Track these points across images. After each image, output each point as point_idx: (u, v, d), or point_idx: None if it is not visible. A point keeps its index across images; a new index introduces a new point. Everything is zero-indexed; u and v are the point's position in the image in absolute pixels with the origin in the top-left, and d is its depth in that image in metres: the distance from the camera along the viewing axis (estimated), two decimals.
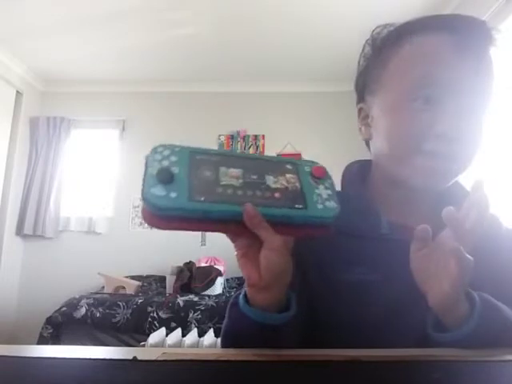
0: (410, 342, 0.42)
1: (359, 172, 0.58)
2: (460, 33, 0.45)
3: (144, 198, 0.31)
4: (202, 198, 0.32)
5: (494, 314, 0.38)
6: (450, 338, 0.39)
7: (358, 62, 0.55)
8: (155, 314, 2.11)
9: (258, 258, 0.36)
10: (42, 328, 2.08)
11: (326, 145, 3.21)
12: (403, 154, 0.47)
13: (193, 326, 2.08)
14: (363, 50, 0.54)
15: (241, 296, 0.41)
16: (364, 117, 0.55)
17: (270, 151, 3.45)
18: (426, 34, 0.47)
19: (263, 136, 3.48)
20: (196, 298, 2.29)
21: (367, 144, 0.57)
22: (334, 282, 0.49)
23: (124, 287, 2.55)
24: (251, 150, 3.46)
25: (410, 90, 0.46)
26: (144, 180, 0.32)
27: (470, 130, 0.44)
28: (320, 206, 0.34)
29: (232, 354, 0.37)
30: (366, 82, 0.54)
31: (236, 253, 0.38)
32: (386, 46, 0.50)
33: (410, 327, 0.46)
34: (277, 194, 0.35)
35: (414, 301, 0.47)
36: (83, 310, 2.12)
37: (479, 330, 0.37)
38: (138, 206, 3.36)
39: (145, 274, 3.08)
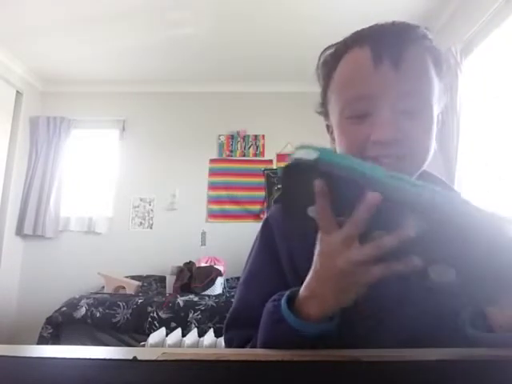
0: (405, 341, 0.42)
1: None
2: (376, 42, 0.47)
3: None
4: None
5: None
6: (501, 339, 0.39)
7: (318, 79, 0.58)
8: (155, 314, 2.11)
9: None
10: (42, 328, 2.08)
11: (326, 145, 3.20)
12: None
13: (193, 325, 2.08)
14: (317, 73, 0.57)
15: (284, 308, 0.42)
16: (331, 132, 0.59)
17: (270, 151, 3.46)
18: (353, 50, 0.50)
19: (263, 136, 3.48)
20: (196, 298, 2.29)
21: None
22: None
23: (124, 287, 2.55)
24: (251, 150, 3.46)
25: (344, 110, 0.50)
26: None
27: (407, 132, 0.46)
28: None
29: (232, 353, 0.37)
30: (324, 99, 0.58)
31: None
32: (329, 64, 0.54)
33: (403, 327, 0.46)
34: None
35: (409, 299, 0.47)
36: (83, 310, 2.12)
37: None
38: (137, 206, 3.37)
39: (145, 274, 3.08)
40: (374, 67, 0.47)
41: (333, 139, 0.58)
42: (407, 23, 0.50)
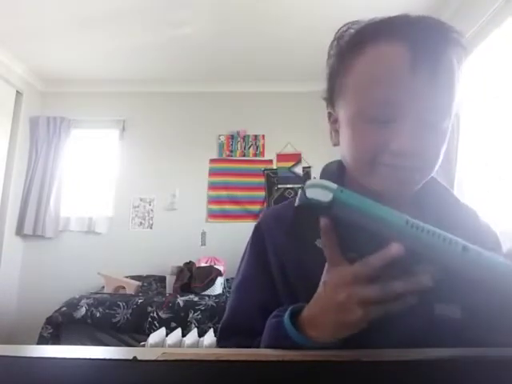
0: (409, 340, 0.42)
1: (337, 171, 0.58)
2: (416, 41, 0.43)
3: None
4: None
5: None
6: None
7: (327, 62, 0.54)
8: (155, 314, 2.11)
9: None
10: (42, 328, 2.08)
11: (326, 145, 3.20)
12: (362, 166, 0.49)
13: (193, 326, 2.08)
14: (329, 51, 0.53)
15: (287, 321, 0.42)
16: (333, 121, 0.55)
17: (270, 151, 3.46)
18: (386, 42, 0.45)
19: (263, 136, 3.48)
20: (196, 298, 2.29)
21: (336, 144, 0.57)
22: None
23: (124, 287, 2.55)
24: (251, 150, 3.46)
25: (366, 110, 0.46)
26: None
27: (427, 145, 0.45)
28: None
29: (232, 353, 0.37)
30: (333, 87, 0.53)
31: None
32: (346, 53, 0.49)
33: (409, 327, 0.46)
34: None
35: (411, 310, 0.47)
36: (83, 310, 2.12)
37: None
38: (137, 206, 3.37)
39: (145, 274, 3.08)
40: (412, 72, 0.42)
41: (335, 130, 0.55)
42: (442, 22, 0.45)
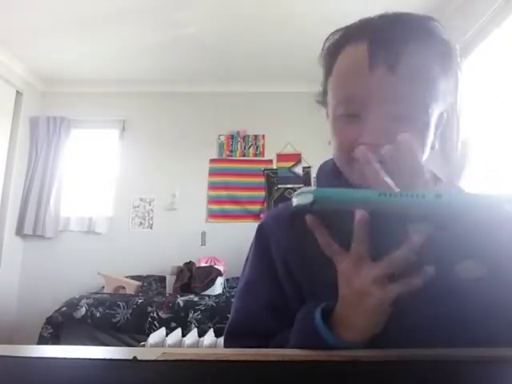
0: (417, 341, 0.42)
1: (334, 168, 0.58)
2: (374, 38, 0.45)
3: None
4: None
5: None
6: None
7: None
8: (155, 314, 2.11)
9: None
10: (42, 328, 2.08)
11: (326, 145, 3.20)
12: (342, 163, 0.51)
13: (193, 326, 2.08)
14: (320, 61, 0.56)
15: (319, 321, 0.42)
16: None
17: (270, 151, 3.46)
18: (350, 44, 0.48)
19: (263, 136, 3.48)
20: (196, 298, 2.29)
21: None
22: (327, 285, 0.48)
23: (124, 287, 2.55)
24: (251, 150, 3.46)
25: (337, 107, 0.49)
26: None
27: (395, 137, 0.43)
28: None
29: (232, 353, 0.37)
30: (324, 89, 0.56)
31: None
32: (328, 57, 0.53)
33: (419, 326, 0.46)
34: None
35: (429, 299, 0.46)
36: (83, 310, 2.12)
37: None
38: (137, 206, 3.37)
39: (145, 274, 3.08)
40: (369, 69, 0.45)
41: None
42: (412, 16, 0.47)
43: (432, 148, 0.52)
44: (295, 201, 0.38)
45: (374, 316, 0.39)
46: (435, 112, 0.47)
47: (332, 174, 0.57)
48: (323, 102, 0.57)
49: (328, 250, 0.40)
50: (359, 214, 0.36)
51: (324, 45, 0.54)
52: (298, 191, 0.39)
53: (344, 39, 0.50)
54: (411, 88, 0.44)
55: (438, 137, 0.52)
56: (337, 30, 0.53)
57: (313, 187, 0.38)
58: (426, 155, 0.49)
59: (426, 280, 0.35)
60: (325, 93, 0.56)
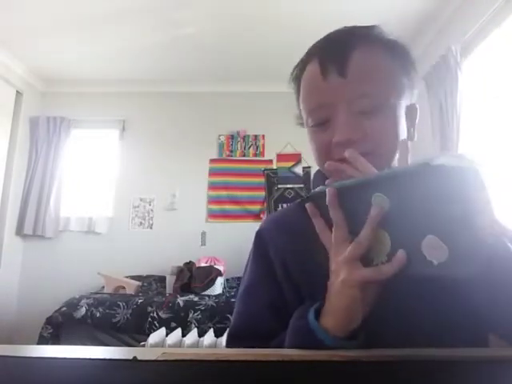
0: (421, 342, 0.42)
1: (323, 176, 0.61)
2: (323, 53, 0.52)
3: None
4: None
5: None
6: None
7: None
8: (155, 314, 2.11)
9: None
10: (42, 328, 2.08)
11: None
12: (323, 165, 0.55)
13: (193, 326, 2.08)
14: (289, 85, 0.62)
15: (312, 321, 0.43)
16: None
17: (270, 151, 3.46)
18: (307, 65, 0.54)
19: (263, 136, 3.48)
20: (196, 298, 2.29)
21: None
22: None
23: (124, 287, 2.55)
24: (251, 150, 3.46)
25: (307, 119, 0.55)
26: None
27: (368, 130, 0.49)
28: None
29: (232, 353, 0.37)
30: (300, 113, 0.61)
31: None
32: (296, 85, 0.59)
33: (412, 325, 0.46)
34: None
35: (420, 297, 0.47)
36: (83, 310, 2.12)
37: None
38: (137, 206, 3.37)
39: (145, 274, 3.08)
40: (323, 78, 0.50)
41: None
42: (355, 27, 0.54)
43: (410, 140, 0.54)
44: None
45: (342, 299, 0.41)
46: (401, 104, 0.51)
47: (324, 178, 0.59)
48: (302, 122, 0.62)
49: (323, 237, 0.44)
50: (328, 192, 0.40)
51: (292, 73, 0.60)
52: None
53: (303, 62, 0.56)
54: (365, 85, 0.49)
55: (415, 127, 0.56)
56: (298, 63, 0.59)
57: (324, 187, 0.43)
58: (398, 140, 0.52)
59: (397, 266, 0.36)
60: (300, 113, 0.61)
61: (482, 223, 0.31)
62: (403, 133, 0.52)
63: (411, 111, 0.54)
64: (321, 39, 0.55)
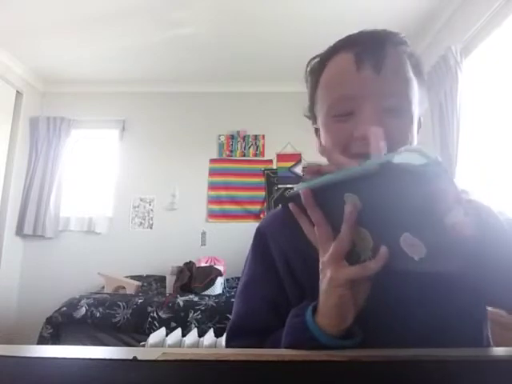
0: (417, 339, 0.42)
1: None
2: (358, 47, 0.52)
3: None
4: None
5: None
6: None
7: (306, 85, 0.63)
8: (155, 314, 2.11)
9: None
10: (42, 328, 2.08)
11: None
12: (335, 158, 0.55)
13: (193, 325, 2.08)
14: (306, 82, 0.62)
15: (309, 319, 0.44)
16: (319, 135, 0.61)
17: (270, 151, 3.46)
18: (337, 55, 0.54)
19: (263, 136, 3.48)
20: (196, 298, 2.29)
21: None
22: None
23: (124, 287, 2.55)
24: (251, 150, 3.46)
25: (330, 109, 0.54)
26: None
27: (388, 128, 0.48)
28: None
29: (232, 353, 0.37)
30: (312, 106, 0.62)
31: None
32: (316, 70, 0.58)
33: (408, 327, 0.46)
34: None
35: (414, 300, 0.47)
36: (83, 310, 2.12)
37: None
38: (137, 206, 3.37)
39: (145, 274, 3.08)
40: (357, 70, 0.51)
41: (320, 142, 0.61)
42: (388, 30, 0.54)
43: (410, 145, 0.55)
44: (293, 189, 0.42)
45: (330, 297, 0.41)
46: (416, 110, 0.53)
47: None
48: (312, 116, 0.62)
49: (311, 236, 0.44)
50: (303, 193, 0.39)
51: (307, 66, 0.60)
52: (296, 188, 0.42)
53: (329, 54, 0.56)
54: (394, 85, 0.50)
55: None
56: (316, 55, 0.59)
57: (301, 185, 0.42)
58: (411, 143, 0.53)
59: (381, 262, 0.37)
60: (312, 105, 0.61)
61: (452, 217, 0.31)
62: (414, 139, 0.53)
63: (418, 122, 0.55)
64: (353, 35, 0.55)
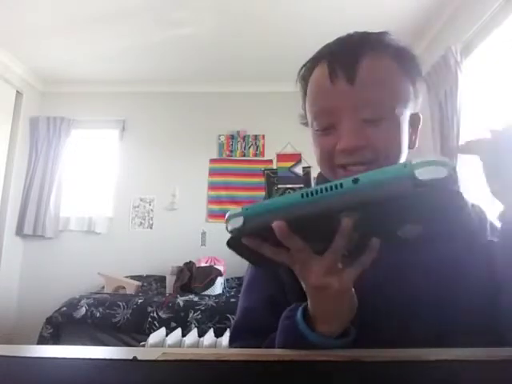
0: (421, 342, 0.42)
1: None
2: (332, 58, 0.51)
3: None
4: None
5: None
6: None
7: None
8: (155, 314, 2.11)
9: None
10: (42, 328, 2.08)
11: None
12: (326, 172, 0.56)
13: (193, 326, 2.08)
14: (296, 85, 0.62)
15: (299, 318, 0.43)
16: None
17: (270, 151, 3.45)
18: (315, 67, 0.54)
19: (263, 136, 3.48)
20: (196, 298, 2.29)
21: None
22: None
23: (124, 287, 2.55)
24: (251, 150, 3.46)
25: (312, 123, 0.55)
26: None
27: (372, 138, 0.49)
28: None
29: (232, 353, 0.37)
30: (305, 113, 0.62)
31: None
32: (302, 85, 0.59)
33: (421, 327, 0.46)
34: None
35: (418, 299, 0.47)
36: (83, 310, 2.12)
37: None
38: (137, 206, 3.37)
39: (145, 274, 3.08)
40: (331, 83, 0.50)
41: None
42: (366, 33, 0.53)
43: (411, 148, 0.55)
44: (229, 227, 0.38)
45: (339, 303, 0.41)
46: (406, 112, 0.51)
47: (326, 181, 0.59)
48: (306, 123, 0.62)
49: (278, 258, 0.40)
50: (276, 227, 0.35)
51: (299, 71, 0.60)
52: (227, 216, 0.39)
53: (312, 63, 0.56)
54: (373, 93, 0.49)
55: (417, 136, 0.56)
56: (304, 64, 0.59)
57: (239, 208, 0.39)
58: (404, 154, 0.52)
59: (373, 255, 0.38)
60: (305, 113, 0.61)
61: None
62: (406, 141, 0.52)
63: (414, 120, 0.55)
64: (331, 42, 0.55)
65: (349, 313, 0.42)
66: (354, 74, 0.49)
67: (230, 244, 0.40)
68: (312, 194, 0.34)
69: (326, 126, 0.52)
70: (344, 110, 0.50)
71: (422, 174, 0.31)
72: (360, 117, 0.49)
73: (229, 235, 0.40)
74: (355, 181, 0.33)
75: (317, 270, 0.39)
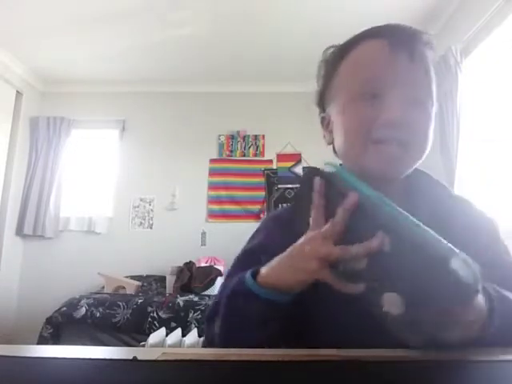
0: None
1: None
2: (393, 36, 0.51)
3: None
4: None
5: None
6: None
7: (317, 83, 0.62)
8: (155, 314, 2.11)
9: None
10: (42, 328, 2.08)
11: (326, 145, 3.20)
12: (357, 144, 0.52)
13: (193, 326, 2.08)
14: (319, 71, 0.60)
15: (248, 280, 0.46)
16: (326, 124, 0.60)
17: (270, 151, 3.46)
18: (367, 41, 0.53)
19: (263, 136, 3.48)
20: (196, 298, 2.28)
21: (334, 149, 0.61)
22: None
23: (124, 287, 2.55)
24: (251, 150, 3.46)
25: (357, 90, 0.52)
26: None
27: (413, 118, 0.49)
28: None
29: (232, 353, 0.37)
30: (323, 94, 0.60)
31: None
32: (335, 57, 0.57)
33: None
34: None
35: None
36: (83, 310, 2.12)
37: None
38: (137, 206, 3.37)
39: (145, 274, 3.08)
40: (391, 54, 0.50)
41: (329, 132, 0.60)
42: (418, 29, 0.54)
43: None
44: (324, 168, 0.43)
45: (299, 274, 0.43)
46: (434, 106, 0.52)
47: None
48: (321, 103, 0.61)
49: (314, 212, 0.43)
50: (352, 197, 0.38)
51: (323, 55, 0.59)
52: (327, 162, 0.43)
53: (353, 41, 0.55)
54: (425, 76, 0.51)
55: (437, 137, 0.56)
56: (330, 46, 0.59)
57: (339, 167, 0.42)
58: (430, 144, 0.52)
59: (353, 291, 0.38)
60: (323, 93, 0.59)
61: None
62: (430, 139, 0.52)
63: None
64: (382, 25, 0.54)
65: (292, 281, 0.44)
66: (416, 54, 0.50)
67: (305, 175, 0.45)
68: (383, 202, 0.36)
69: (369, 94, 0.51)
70: (397, 83, 0.49)
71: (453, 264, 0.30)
72: (409, 94, 0.49)
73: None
74: (417, 225, 0.33)
75: (315, 235, 0.41)
